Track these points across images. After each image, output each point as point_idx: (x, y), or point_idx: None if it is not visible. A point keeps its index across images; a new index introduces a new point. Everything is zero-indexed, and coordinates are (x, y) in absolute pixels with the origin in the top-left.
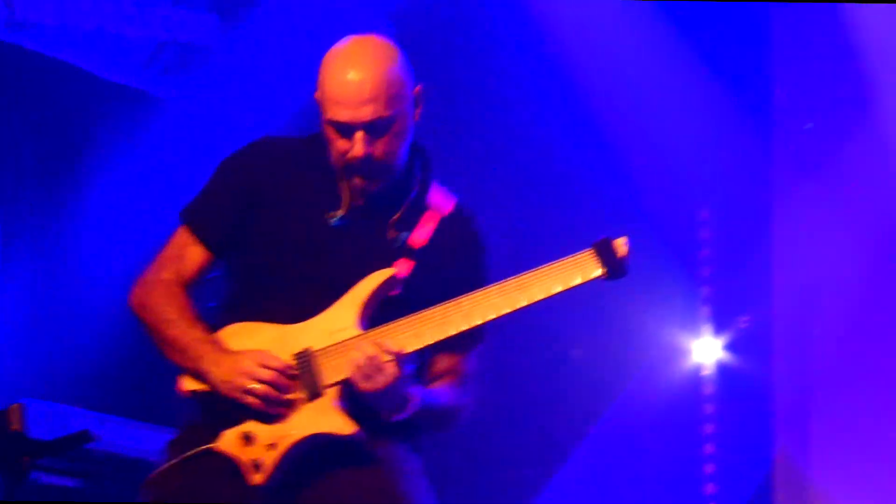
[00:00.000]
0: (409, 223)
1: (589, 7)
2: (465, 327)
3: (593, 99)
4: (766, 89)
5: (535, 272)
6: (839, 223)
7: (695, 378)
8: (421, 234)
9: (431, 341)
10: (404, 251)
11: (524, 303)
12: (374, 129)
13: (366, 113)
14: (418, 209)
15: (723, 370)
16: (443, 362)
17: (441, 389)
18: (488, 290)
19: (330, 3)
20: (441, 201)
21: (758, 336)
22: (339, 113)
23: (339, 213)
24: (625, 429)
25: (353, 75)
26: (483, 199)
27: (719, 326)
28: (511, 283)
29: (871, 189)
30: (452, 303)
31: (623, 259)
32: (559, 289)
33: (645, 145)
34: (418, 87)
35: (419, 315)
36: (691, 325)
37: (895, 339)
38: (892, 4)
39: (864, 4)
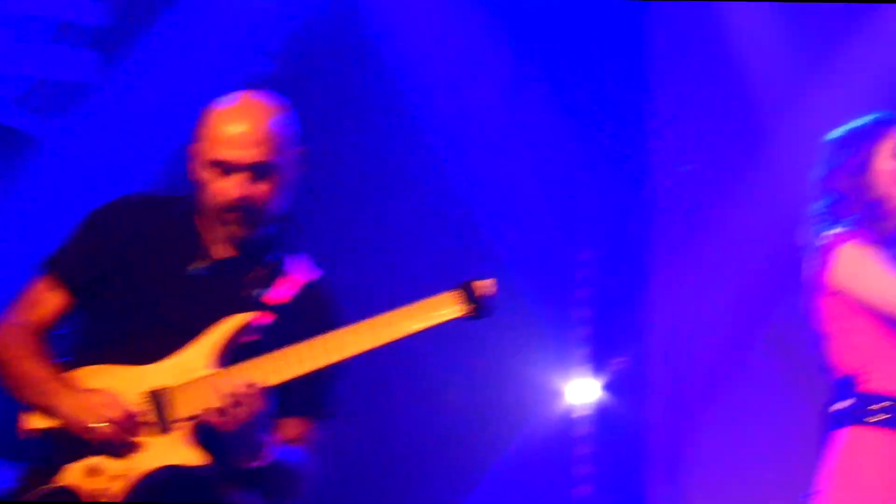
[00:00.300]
0: (267, 283)
1: (471, 50)
2: (325, 363)
3: (471, 139)
4: (644, 129)
5: (399, 311)
6: (716, 265)
7: (571, 419)
8: (278, 294)
9: (291, 376)
10: (260, 305)
11: (385, 340)
12: (256, 171)
13: (251, 155)
14: (277, 272)
15: (600, 411)
16: (293, 427)
17: (294, 449)
18: (350, 327)
19: (210, 41)
20: (304, 271)
21: (635, 377)
22: (224, 153)
23: (201, 264)
24: (501, 471)
25: (242, 119)
26: (355, 237)
27: (597, 367)
28: (373, 321)
29: (748, 231)
30: (314, 340)
31: (486, 299)
32: (421, 326)
33: (523, 185)
34: (301, 148)
35: (279, 353)
36: (569, 366)
37: (768, 382)
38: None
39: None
